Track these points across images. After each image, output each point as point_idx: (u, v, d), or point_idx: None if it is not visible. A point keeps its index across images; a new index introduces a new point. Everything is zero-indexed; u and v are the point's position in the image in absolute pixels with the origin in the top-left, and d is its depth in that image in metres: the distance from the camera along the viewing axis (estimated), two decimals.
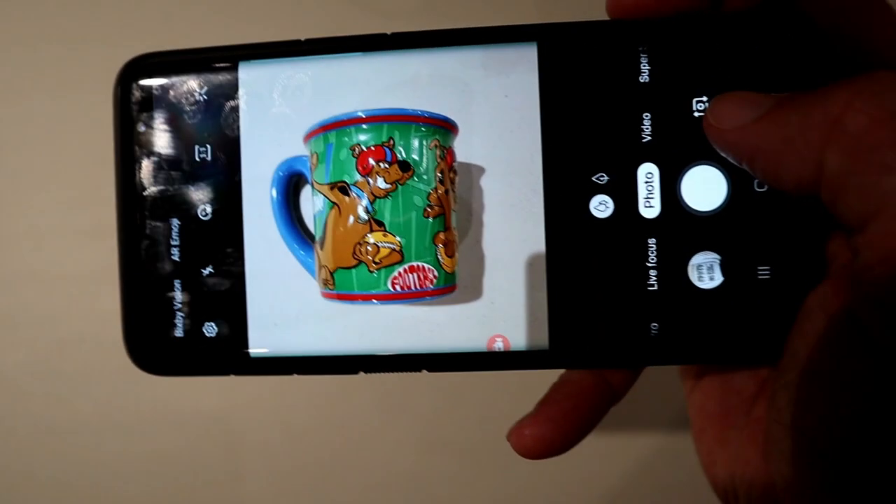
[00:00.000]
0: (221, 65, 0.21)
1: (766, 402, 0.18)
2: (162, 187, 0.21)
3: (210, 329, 0.21)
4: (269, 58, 0.20)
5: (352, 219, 0.20)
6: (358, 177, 0.20)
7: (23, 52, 0.33)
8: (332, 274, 0.20)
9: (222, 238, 0.21)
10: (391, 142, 0.20)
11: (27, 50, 0.33)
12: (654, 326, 0.19)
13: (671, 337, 0.19)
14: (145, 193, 0.21)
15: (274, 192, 0.20)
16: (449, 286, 0.20)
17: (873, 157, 0.14)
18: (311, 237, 0.20)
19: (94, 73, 0.32)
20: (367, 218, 0.20)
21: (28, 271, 0.33)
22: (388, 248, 0.20)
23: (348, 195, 0.20)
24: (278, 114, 0.20)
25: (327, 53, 0.20)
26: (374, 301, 0.20)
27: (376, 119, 0.20)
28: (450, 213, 0.20)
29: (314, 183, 0.20)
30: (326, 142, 0.20)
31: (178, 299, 0.21)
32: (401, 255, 0.20)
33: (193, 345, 0.21)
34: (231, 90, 0.20)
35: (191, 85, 0.21)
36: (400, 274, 0.20)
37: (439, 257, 0.20)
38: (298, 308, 0.20)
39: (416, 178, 0.20)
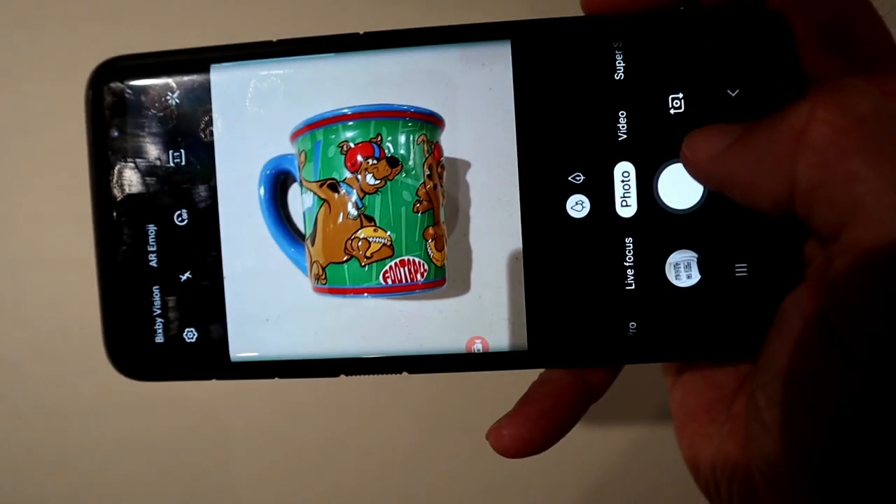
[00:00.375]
0: (193, 67, 0.20)
1: (746, 399, 0.18)
2: (137, 192, 0.21)
3: (190, 334, 0.21)
4: (242, 59, 0.20)
5: (342, 215, 0.20)
6: (347, 173, 0.20)
7: (21, 37, 0.33)
8: (323, 269, 0.20)
9: (199, 243, 0.21)
10: (379, 138, 0.20)
11: (26, 34, 0.33)
12: (633, 325, 0.19)
13: (650, 335, 0.19)
14: (120, 199, 0.21)
15: (262, 191, 0.20)
16: (439, 279, 0.20)
17: (839, 167, 0.14)
18: (300, 235, 0.21)
19: (93, 57, 0.32)
20: (357, 214, 0.20)
21: (29, 256, 0.33)
22: (379, 242, 0.20)
23: (338, 192, 0.20)
24: (253, 115, 0.20)
25: (300, 54, 0.20)
26: (367, 294, 0.20)
27: (364, 115, 0.20)
28: (438, 207, 0.20)
29: (303, 181, 0.20)
30: (314, 139, 0.20)
31: (157, 305, 0.21)
32: (391, 250, 0.20)
33: (174, 350, 0.21)
34: (204, 92, 0.20)
35: (163, 88, 0.20)
36: (391, 268, 0.20)
37: (429, 251, 0.20)
38: (279, 311, 0.21)
39: (404, 174, 0.20)
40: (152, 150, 0.21)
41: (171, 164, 0.21)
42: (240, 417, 0.34)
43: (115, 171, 0.21)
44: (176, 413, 0.33)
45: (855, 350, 0.14)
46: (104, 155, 0.21)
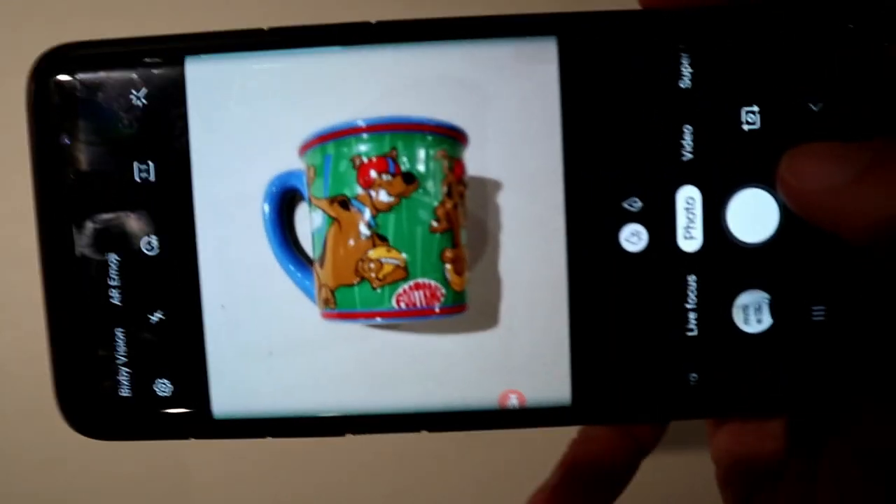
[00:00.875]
0: (165, 58, 0.17)
1: (809, 456, 0.17)
2: (94, 215, 0.17)
3: (163, 387, 0.18)
4: (225, 51, 0.17)
5: (353, 234, 0.19)
6: (359, 190, 0.18)
7: (7, 34, 0.30)
8: (333, 293, 0.19)
9: (173, 275, 0.18)
10: (394, 152, 0.18)
11: (6, 31, 0.30)
12: (693, 376, 0.17)
13: (712, 387, 0.17)
14: (72, 223, 0.17)
15: (266, 208, 0.18)
16: (458, 305, 0.19)
17: None
18: (307, 258, 0.19)
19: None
20: (369, 233, 0.18)
21: (12, 253, 0.32)
22: (392, 264, 0.19)
23: (349, 209, 0.18)
24: (238, 120, 0.17)
25: (299, 47, 0.17)
26: (379, 319, 0.19)
27: (378, 128, 0.18)
28: (458, 228, 0.19)
29: (312, 198, 0.18)
30: (324, 153, 0.18)
31: (122, 352, 0.18)
32: (405, 272, 0.19)
33: (143, 406, 0.18)
34: (177, 91, 0.17)
35: (126, 83, 0.17)
36: (405, 291, 0.19)
37: (447, 275, 0.19)
38: (271, 355, 0.18)
39: (421, 191, 0.18)
40: (112, 162, 0.17)
41: (138, 179, 0.17)
42: (201, 462, 0.33)
43: (66, 188, 0.17)
44: None
45: None
46: (50, 168, 0.17)
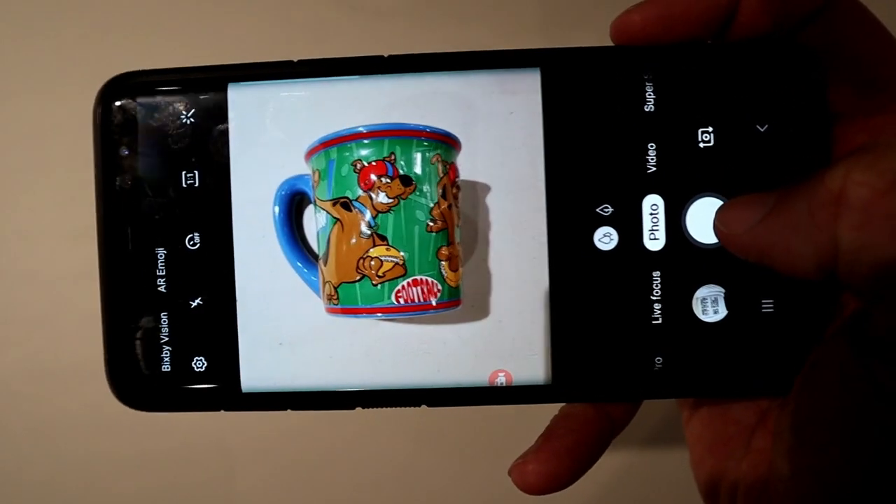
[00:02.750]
0: (210, 86, 0.20)
1: (769, 435, 0.18)
2: (146, 215, 0.20)
3: (199, 363, 0.20)
4: (261, 79, 0.20)
5: (355, 234, 0.20)
6: (360, 192, 0.20)
7: (9, 53, 0.32)
8: (336, 289, 0.20)
9: (211, 268, 0.20)
10: (392, 156, 0.20)
11: (14, 50, 0.32)
12: (659, 360, 0.19)
13: (675, 370, 0.19)
14: (128, 221, 0.20)
15: (276, 210, 0.20)
16: (453, 300, 0.20)
17: (882, 228, 0.14)
18: (314, 255, 0.20)
19: (82, 72, 0.31)
20: (369, 232, 0.20)
21: (18, 271, 0.33)
22: (392, 261, 0.20)
23: (350, 210, 0.20)
24: (270, 138, 0.20)
25: (322, 76, 0.20)
26: (379, 314, 0.20)
27: (377, 134, 0.20)
28: (453, 227, 0.20)
29: (317, 200, 0.20)
30: (328, 158, 0.20)
31: (165, 333, 0.20)
32: (404, 269, 0.20)
33: (182, 380, 0.20)
34: (220, 113, 0.20)
35: (177, 106, 0.20)
36: (403, 287, 0.20)
37: (443, 271, 0.20)
38: (293, 340, 0.20)
39: (418, 193, 0.20)
40: (163, 171, 0.20)
41: (184, 185, 0.20)
42: (231, 433, 0.33)
43: (124, 192, 0.20)
44: (166, 431, 0.33)
45: None
46: (112, 175, 0.20)
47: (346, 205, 0.20)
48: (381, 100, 0.20)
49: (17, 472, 0.34)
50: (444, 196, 0.20)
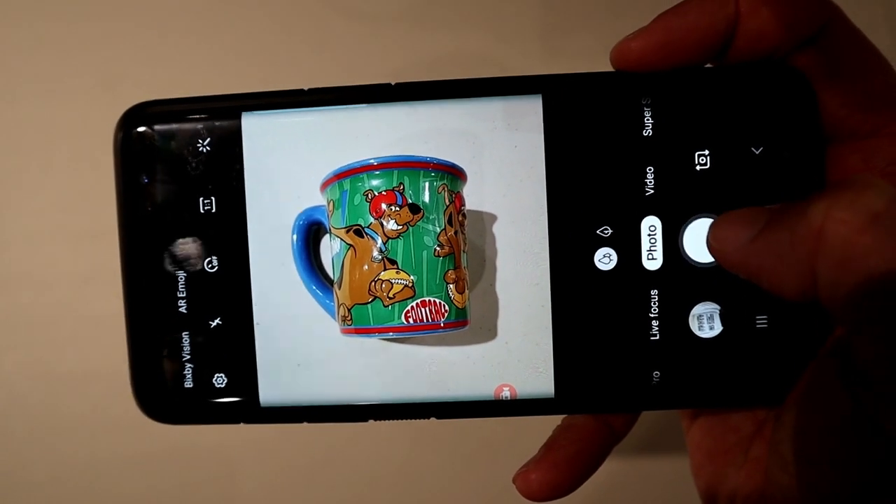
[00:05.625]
0: (225, 114, 0.21)
1: (766, 444, 0.19)
2: (167, 239, 0.21)
3: (219, 380, 0.21)
4: (273, 108, 0.21)
5: (367, 259, 0.21)
6: (371, 220, 0.21)
7: (17, 59, 0.33)
8: (349, 310, 0.21)
9: (229, 289, 0.21)
10: (401, 186, 0.21)
11: (21, 56, 0.33)
12: (657, 374, 0.20)
13: (673, 383, 0.20)
14: (149, 245, 0.21)
15: (295, 238, 0.21)
16: (460, 320, 0.21)
17: (856, 267, 0.14)
18: (330, 280, 0.22)
19: (87, 79, 0.32)
20: (380, 257, 0.21)
21: (23, 274, 0.33)
22: (401, 284, 0.21)
23: (363, 237, 0.21)
24: (283, 164, 0.21)
25: (331, 104, 0.21)
26: (390, 333, 0.21)
27: (387, 166, 0.21)
28: (459, 252, 0.21)
29: (332, 228, 0.21)
30: (341, 189, 0.21)
31: (187, 351, 0.21)
32: (413, 291, 0.21)
33: (203, 396, 0.21)
34: (234, 140, 0.21)
35: (194, 134, 0.21)
36: (413, 308, 0.21)
37: (450, 293, 0.21)
38: (308, 357, 0.21)
39: (425, 220, 0.21)
40: (182, 197, 0.21)
41: (202, 210, 0.21)
42: (233, 435, 0.34)
43: (144, 217, 0.21)
44: (168, 432, 0.34)
45: (888, 428, 0.15)
46: (132, 200, 0.21)
47: (359, 232, 0.21)
48: (390, 128, 0.21)
49: (21, 474, 0.34)
50: (450, 223, 0.21)
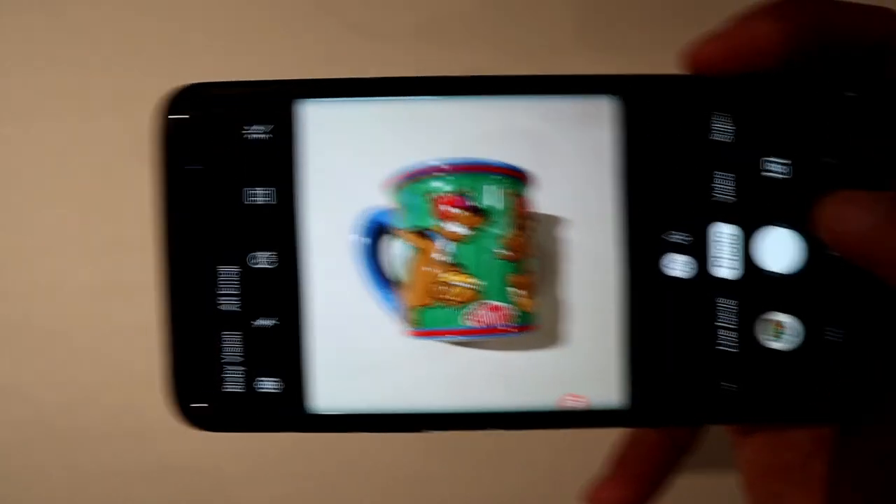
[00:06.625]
0: (280, 101, 0.20)
1: (828, 463, 0.19)
2: (214, 232, 0.20)
3: (264, 384, 0.20)
4: (333, 96, 0.20)
5: (432, 261, 0.21)
6: (437, 222, 0.21)
7: (36, 75, 0.33)
8: (414, 312, 0.21)
9: (276, 287, 0.20)
10: (468, 190, 0.21)
11: (40, 73, 0.33)
12: (730, 386, 0.20)
13: (746, 396, 0.20)
14: (190, 238, 0.20)
15: (361, 240, 0.21)
16: (526, 325, 0.21)
17: None
18: (393, 282, 0.22)
19: (105, 92, 0.32)
20: (445, 260, 0.21)
21: (42, 284, 0.34)
22: (466, 287, 0.21)
23: (428, 239, 0.21)
24: (342, 155, 0.20)
25: (393, 95, 0.20)
26: (455, 336, 0.21)
27: (453, 169, 0.21)
28: (525, 256, 0.21)
29: (397, 229, 0.21)
30: (407, 190, 0.21)
31: (229, 352, 0.20)
32: (478, 294, 0.21)
33: (246, 400, 0.20)
34: (290, 129, 0.20)
35: (244, 121, 0.19)
36: (477, 311, 0.21)
37: (515, 297, 0.21)
38: (360, 361, 0.21)
39: (491, 224, 0.21)
40: (228, 187, 0.20)
41: (255, 203, 0.20)
42: (245, 443, 0.34)
43: (187, 208, 0.20)
44: (185, 440, 0.33)
45: None
46: (175, 189, 0.20)
47: (424, 234, 0.21)
48: (458, 127, 0.20)
49: (40, 481, 0.34)
50: (515, 227, 0.21)
